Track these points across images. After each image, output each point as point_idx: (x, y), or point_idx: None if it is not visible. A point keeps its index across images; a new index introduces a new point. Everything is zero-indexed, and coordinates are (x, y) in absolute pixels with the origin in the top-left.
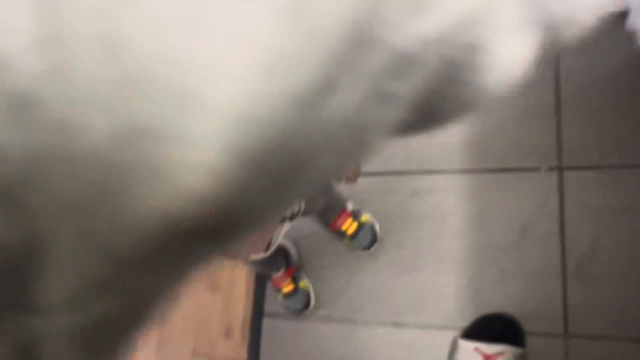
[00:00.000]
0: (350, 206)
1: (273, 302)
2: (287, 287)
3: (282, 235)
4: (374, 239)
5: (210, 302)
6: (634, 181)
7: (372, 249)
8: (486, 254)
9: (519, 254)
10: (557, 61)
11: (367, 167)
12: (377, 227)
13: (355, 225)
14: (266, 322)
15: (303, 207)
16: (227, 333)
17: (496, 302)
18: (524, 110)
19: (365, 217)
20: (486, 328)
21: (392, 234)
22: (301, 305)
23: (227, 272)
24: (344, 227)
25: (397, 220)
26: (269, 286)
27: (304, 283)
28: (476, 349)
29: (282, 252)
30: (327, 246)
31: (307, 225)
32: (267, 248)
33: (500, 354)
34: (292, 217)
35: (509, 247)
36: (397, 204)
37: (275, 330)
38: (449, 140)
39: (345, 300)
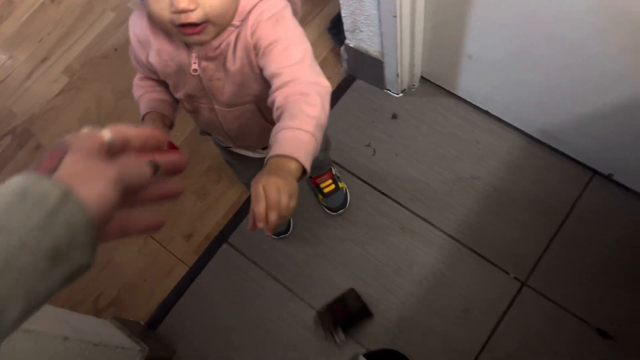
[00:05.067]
0: (334, 170)
1: (239, 237)
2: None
3: None
4: (343, 205)
5: (190, 205)
6: (573, 331)
7: (338, 212)
8: (425, 308)
9: (450, 325)
10: (574, 206)
11: (378, 184)
12: (349, 197)
13: (333, 187)
14: (225, 248)
15: None
16: (188, 237)
17: (407, 346)
18: (527, 223)
19: (343, 184)
20: (386, 358)
21: (365, 245)
22: (283, 228)
23: (220, 188)
24: (323, 185)
25: (375, 239)
26: (247, 219)
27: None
28: None
29: None
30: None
31: None
32: (265, 148)
33: None
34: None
35: (446, 316)
36: (383, 226)
37: (227, 259)
38: (458, 207)
39: (295, 270)
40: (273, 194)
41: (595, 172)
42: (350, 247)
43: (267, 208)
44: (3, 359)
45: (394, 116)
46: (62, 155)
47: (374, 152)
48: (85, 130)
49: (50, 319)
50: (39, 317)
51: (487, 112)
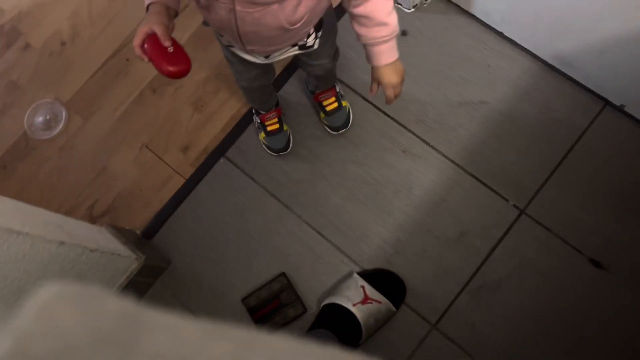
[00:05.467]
0: (338, 88)
1: (237, 152)
2: (273, 126)
3: (284, 55)
4: (345, 124)
5: (186, 116)
6: (566, 260)
7: (340, 132)
8: (421, 231)
9: (445, 249)
10: (581, 135)
11: (382, 104)
12: (352, 116)
13: (335, 105)
14: (222, 162)
15: (316, 47)
16: (185, 149)
17: (401, 267)
18: (532, 151)
19: (346, 103)
20: (380, 278)
21: (365, 166)
22: (282, 145)
23: (218, 100)
24: (325, 102)
25: (376, 160)
26: (249, 131)
27: (286, 127)
28: (362, 287)
29: (274, 93)
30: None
31: (295, 93)
32: (268, 56)
33: (377, 301)
34: (302, 47)
35: (441, 239)
36: (384, 148)
37: (224, 173)
38: (462, 132)
39: (294, 188)
40: (398, 90)
41: (607, 102)
42: (350, 168)
43: (395, 98)
44: None
45: (404, 33)
46: None
47: None
48: None
49: (46, 223)
50: (33, 219)
51: (501, 34)
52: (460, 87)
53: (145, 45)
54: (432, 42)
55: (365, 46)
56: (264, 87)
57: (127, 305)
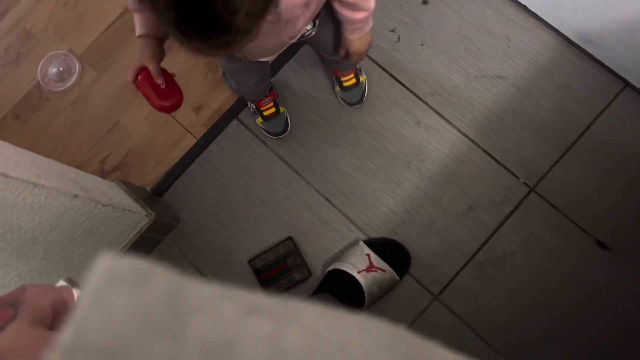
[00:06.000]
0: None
1: (250, 115)
2: (269, 110)
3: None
4: (360, 100)
5: (200, 75)
6: (572, 240)
7: (354, 107)
8: (429, 204)
9: (452, 222)
10: (598, 116)
11: (399, 74)
12: (367, 91)
13: (353, 81)
14: (234, 124)
15: (314, 33)
16: (198, 109)
17: (407, 238)
18: (547, 129)
19: (364, 78)
20: (386, 247)
21: (377, 136)
22: (280, 128)
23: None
24: (343, 78)
25: (388, 131)
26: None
27: (283, 109)
28: (368, 255)
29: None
30: (315, 105)
31: (313, 56)
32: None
33: (382, 269)
34: (300, 37)
35: (449, 212)
36: (397, 117)
37: (236, 135)
38: (477, 106)
39: (304, 154)
40: (364, 55)
41: (627, 83)
42: (362, 137)
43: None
44: (14, 211)
45: (425, 1)
46: (8, 320)
47: (399, 38)
48: (61, 283)
49: (60, 175)
50: (48, 172)
51: (524, 7)
52: (478, 60)
53: (139, 79)
54: (454, 12)
55: (342, 22)
56: (261, 91)
57: (172, 282)
